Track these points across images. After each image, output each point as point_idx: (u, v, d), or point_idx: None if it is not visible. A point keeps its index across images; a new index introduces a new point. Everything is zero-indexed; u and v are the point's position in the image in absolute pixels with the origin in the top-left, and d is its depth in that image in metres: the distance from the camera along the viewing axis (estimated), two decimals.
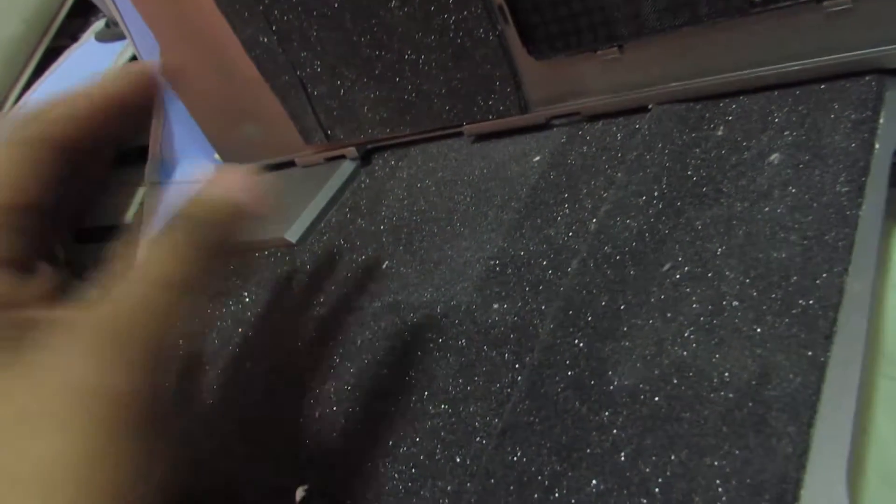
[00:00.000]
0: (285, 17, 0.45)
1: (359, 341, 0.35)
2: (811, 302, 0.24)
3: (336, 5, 0.42)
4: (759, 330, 0.24)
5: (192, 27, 0.50)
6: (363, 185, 0.47)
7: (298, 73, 0.47)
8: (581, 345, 0.27)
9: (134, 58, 0.59)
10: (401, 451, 0.28)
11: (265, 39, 0.47)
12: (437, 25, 0.40)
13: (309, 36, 0.45)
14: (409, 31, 0.41)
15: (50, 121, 0.23)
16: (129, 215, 0.69)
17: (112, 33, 0.63)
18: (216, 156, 0.59)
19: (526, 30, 0.38)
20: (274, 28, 0.46)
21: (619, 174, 0.34)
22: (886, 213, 0.27)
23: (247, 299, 0.43)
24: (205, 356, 0.41)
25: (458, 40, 0.40)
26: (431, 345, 0.32)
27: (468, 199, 0.39)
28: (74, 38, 0.71)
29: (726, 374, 0.23)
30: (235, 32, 0.48)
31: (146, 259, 0.21)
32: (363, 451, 0.29)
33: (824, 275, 0.24)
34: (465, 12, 0.39)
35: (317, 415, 0.32)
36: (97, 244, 0.74)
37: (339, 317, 0.37)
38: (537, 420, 0.25)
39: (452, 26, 0.40)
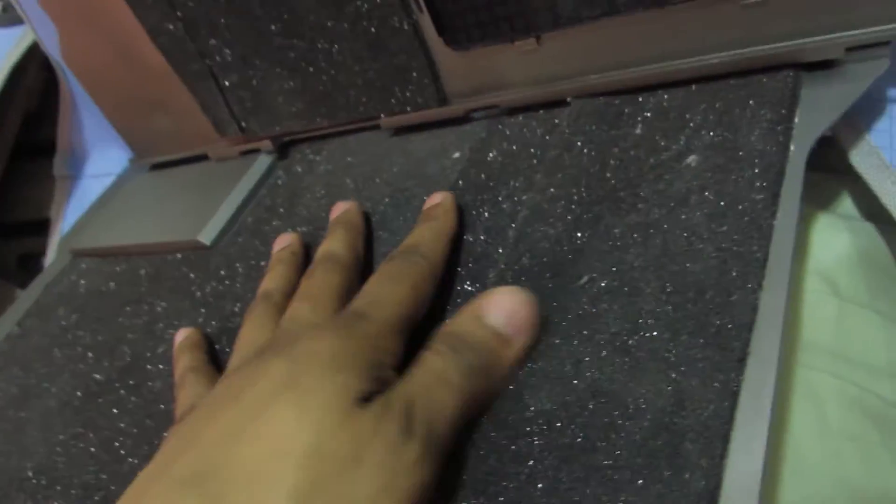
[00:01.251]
0: (191, 3, 0.42)
1: None
2: (725, 321, 0.23)
3: None
4: (674, 352, 0.23)
5: (93, 11, 0.47)
6: (279, 182, 0.45)
7: (208, 62, 0.45)
8: None
9: (35, 44, 0.55)
10: None
11: (171, 27, 0.44)
12: (350, 13, 0.38)
13: (217, 23, 0.42)
14: (321, 20, 0.39)
15: None
16: (53, 210, 0.66)
17: (9, 17, 0.59)
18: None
19: (441, 19, 0.36)
20: (180, 14, 0.43)
21: (538, 175, 0.32)
22: (802, 203, 0.26)
23: (157, 308, 0.41)
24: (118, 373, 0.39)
25: (372, 29, 0.38)
26: None
27: (386, 198, 0.37)
28: None
29: (641, 400, 0.23)
30: (139, 19, 0.45)
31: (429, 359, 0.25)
32: None
33: (738, 291, 0.24)
34: (378, 0, 0.37)
35: None
36: (19, 239, 0.70)
37: None
38: (454, 450, 0.24)
39: (366, 15, 0.38)
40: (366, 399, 0.23)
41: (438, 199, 0.33)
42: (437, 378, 0.24)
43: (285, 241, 0.38)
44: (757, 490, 0.20)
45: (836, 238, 0.32)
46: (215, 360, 0.36)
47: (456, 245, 0.32)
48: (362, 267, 0.33)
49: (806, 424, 0.28)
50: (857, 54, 0.29)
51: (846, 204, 0.34)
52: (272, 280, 0.35)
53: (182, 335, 0.37)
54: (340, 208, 0.37)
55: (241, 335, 0.32)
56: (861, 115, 0.32)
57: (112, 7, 0.45)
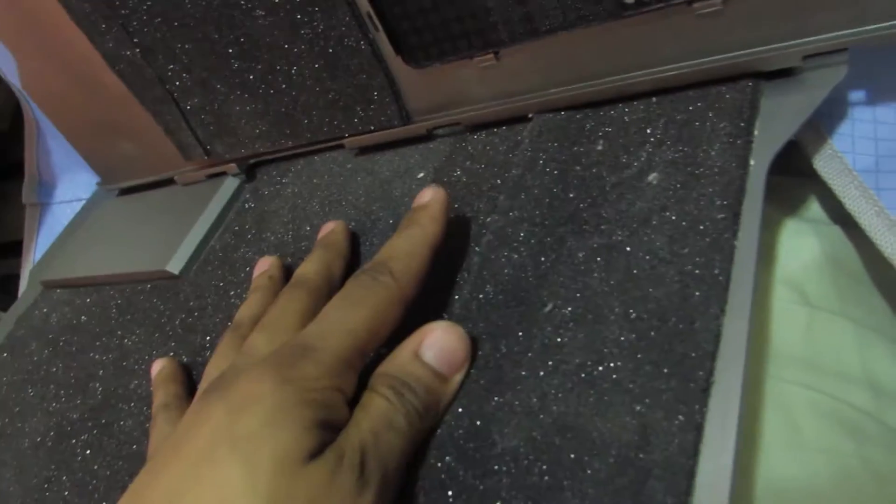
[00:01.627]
0: (145, 30, 0.42)
1: None
2: (688, 349, 0.23)
3: (197, 16, 0.39)
4: (638, 382, 0.23)
5: (49, 39, 0.47)
6: (247, 206, 0.44)
7: (168, 87, 0.44)
8: (464, 401, 0.26)
9: None
10: None
11: (128, 53, 0.43)
12: (306, 35, 0.37)
13: (174, 48, 0.42)
14: (277, 42, 0.38)
15: None
16: (25, 237, 0.65)
17: None
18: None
19: (398, 38, 0.36)
20: (136, 41, 0.42)
21: (501, 197, 0.32)
22: (763, 220, 0.26)
23: (127, 342, 0.41)
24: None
25: (330, 50, 0.37)
26: None
27: (353, 223, 0.37)
28: None
29: (607, 434, 0.22)
30: (95, 47, 0.44)
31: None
32: None
33: (701, 317, 0.23)
34: (333, 20, 0.36)
35: None
36: None
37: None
38: (419, 490, 0.24)
39: (322, 35, 0.37)
40: (315, 451, 0.22)
41: (426, 200, 0.30)
42: (384, 424, 0.24)
43: (263, 266, 0.36)
44: None
45: (803, 243, 0.32)
46: (192, 391, 0.35)
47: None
48: (335, 290, 0.32)
49: (778, 437, 0.28)
50: (816, 61, 0.29)
51: (813, 207, 0.33)
52: (247, 308, 0.34)
53: (157, 367, 0.36)
54: (326, 228, 0.36)
55: (207, 367, 0.31)
56: (823, 120, 0.32)
57: (69, 35, 0.44)
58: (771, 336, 0.30)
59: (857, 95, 0.32)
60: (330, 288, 0.32)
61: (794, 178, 0.34)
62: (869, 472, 0.26)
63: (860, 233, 0.31)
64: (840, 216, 0.32)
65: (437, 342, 0.26)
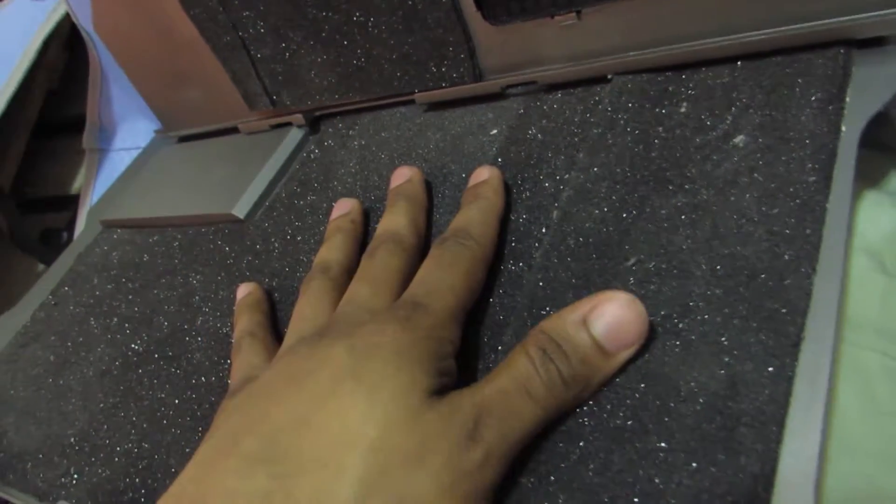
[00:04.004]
0: None
1: None
2: (779, 306, 0.23)
3: None
4: (726, 335, 0.23)
5: None
6: (312, 156, 0.45)
7: (241, 33, 0.44)
8: None
9: (67, 16, 0.55)
10: None
11: None
12: None
13: None
14: None
15: None
16: (76, 185, 0.66)
17: None
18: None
19: None
20: None
21: (580, 154, 0.32)
22: (855, 183, 0.26)
23: (193, 280, 0.41)
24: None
25: (409, 2, 0.38)
26: None
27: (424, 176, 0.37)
28: None
29: (693, 384, 0.23)
30: None
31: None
32: None
33: (792, 275, 0.24)
34: None
35: None
36: (42, 215, 0.71)
37: (286, 303, 0.36)
38: None
39: None
40: (432, 394, 0.23)
41: (486, 176, 0.33)
42: (521, 386, 0.23)
43: (345, 208, 0.37)
44: (814, 475, 0.20)
45: (883, 215, 0.32)
46: (275, 323, 0.36)
47: (503, 224, 0.32)
48: (423, 246, 0.33)
49: (852, 402, 0.28)
50: None
51: (894, 181, 0.33)
52: (330, 251, 0.34)
53: (243, 291, 0.37)
54: (403, 176, 0.36)
55: (298, 308, 0.31)
56: None
57: None
58: (849, 302, 0.30)
59: None
60: (419, 242, 0.33)
61: (880, 151, 0.33)
62: None
63: None
64: None
65: (613, 315, 0.24)
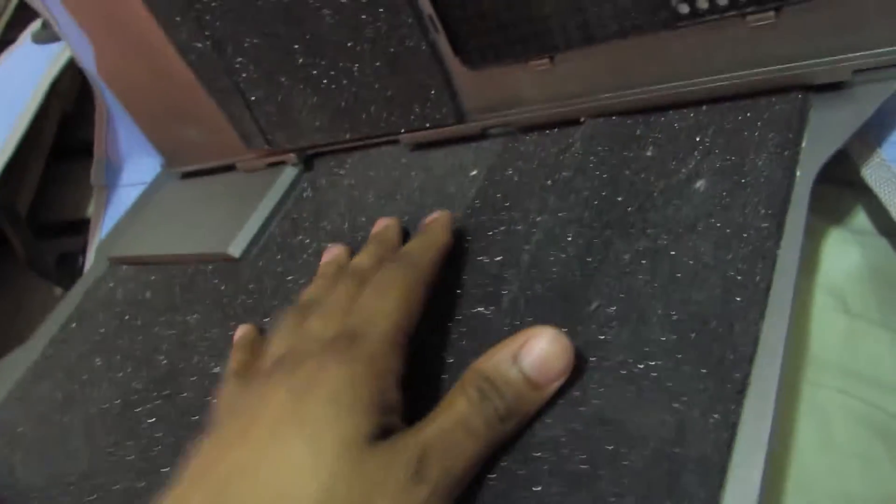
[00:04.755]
0: (218, 24, 0.44)
1: None
2: (727, 352, 0.24)
3: (268, 13, 0.41)
4: (676, 381, 0.24)
5: (126, 30, 0.49)
6: (305, 196, 0.46)
7: (235, 78, 0.46)
8: None
9: (72, 60, 0.57)
10: None
11: (199, 45, 0.46)
12: (369, 35, 0.39)
13: (243, 42, 0.44)
14: (341, 40, 0.40)
15: None
16: (91, 210, 0.68)
17: (48, 34, 0.61)
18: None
19: (457, 39, 0.37)
20: (207, 34, 0.45)
21: (552, 197, 0.33)
22: (807, 230, 0.27)
23: (190, 319, 0.43)
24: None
25: (391, 49, 0.39)
26: None
27: (406, 216, 0.39)
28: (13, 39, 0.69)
29: (644, 428, 0.24)
30: (169, 37, 0.47)
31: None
32: None
33: (740, 321, 0.25)
34: (396, 21, 0.38)
35: None
36: (58, 239, 0.73)
37: None
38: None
39: (384, 35, 0.39)
40: (375, 438, 0.24)
41: (436, 215, 0.35)
42: (460, 424, 0.24)
43: (332, 254, 0.38)
44: None
45: (846, 253, 0.32)
46: None
47: (467, 265, 0.33)
48: None
49: (810, 440, 0.29)
50: (866, 76, 0.30)
51: (859, 218, 0.34)
52: (312, 291, 0.36)
53: (240, 332, 0.38)
54: (380, 224, 0.38)
55: (273, 339, 0.32)
56: (872, 130, 0.32)
57: (144, 26, 0.47)
58: (809, 341, 0.30)
59: None
60: None
61: (841, 187, 0.34)
62: None
63: None
64: (886, 228, 0.33)
65: (541, 350, 0.26)
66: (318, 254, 0.40)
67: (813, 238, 0.33)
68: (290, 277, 0.41)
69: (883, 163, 0.32)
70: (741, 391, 0.23)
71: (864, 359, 0.30)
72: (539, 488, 0.24)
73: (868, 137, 0.32)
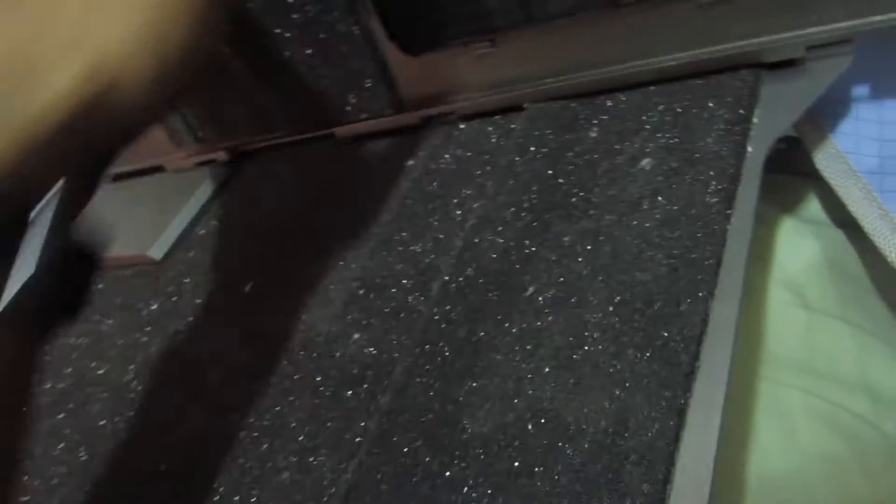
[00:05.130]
0: None
1: (212, 378, 0.31)
2: (673, 333, 0.21)
3: None
4: (619, 366, 0.22)
5: None
6: (233, 194, 0.43)
7: None
8: (436, 385, 0.24)
9: None
10: None
11: None
12: (297, 21, 0.36)
13: None
14: (269, 28, 0.37)
15: None
16: None
17: None
18: None
19: (392, 23, 0.35)
20: None
21: (489, 182, 0.31)
22: (759, 207, 0.25)
23: (104, 327, 0.39)
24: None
25: (322, 35, 0.37)
26: (286, 383, 0.29)
27: (339, 209, 0.36)
28: None
29: (582, 420, 0.21)
30: None
31: None
32: None
33: (688, 300, 0.22)
34: (326, 5, 0.35)
35: (162, 467, 0.29)
36: None
37: (193, 349, 0.34)
38: (385, 478, 0.23)
39: (313, 21, 0.36)
40: None
41: None
42: None
43: None
44: None
45: (803, 245, 0.31)
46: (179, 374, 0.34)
47: (398, 256, 0.30)
48: None
49: (773, 441, 0.26)
50: (820, 52, 0.28)
51: (814, 208, 0.32)
52: None
53: None
54: None
55: None
56: (827, 119, 0.31)
57: None
58: (768, 338, 0.28)
59: (861, 94, 0.31)
60: None
61: (796, 177, 0.32)
62: (866, 479, 0.25)
63: (862, 236, 0.30)
64: (841, 218, 0.31)
65: None
66: (242, 251, 0.37)
67: (767, 229, 0.31)
68: (212, 278, 0.38)
69: (838, 154, 0.30)
70: (689, 374, 0.20)
71: (824, 355, 0.28)
72: (466, 490, 0.21)
73: (823, 127, 0.31)
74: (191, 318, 0.36)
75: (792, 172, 0.32)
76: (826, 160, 0.30)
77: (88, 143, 0.20)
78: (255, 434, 0.28)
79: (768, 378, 0.28)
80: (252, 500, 0.26)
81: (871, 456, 0.25)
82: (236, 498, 0.26)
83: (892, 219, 0.28)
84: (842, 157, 0.29)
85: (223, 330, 0.34)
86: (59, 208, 0.20)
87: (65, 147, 0.19)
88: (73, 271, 0.22)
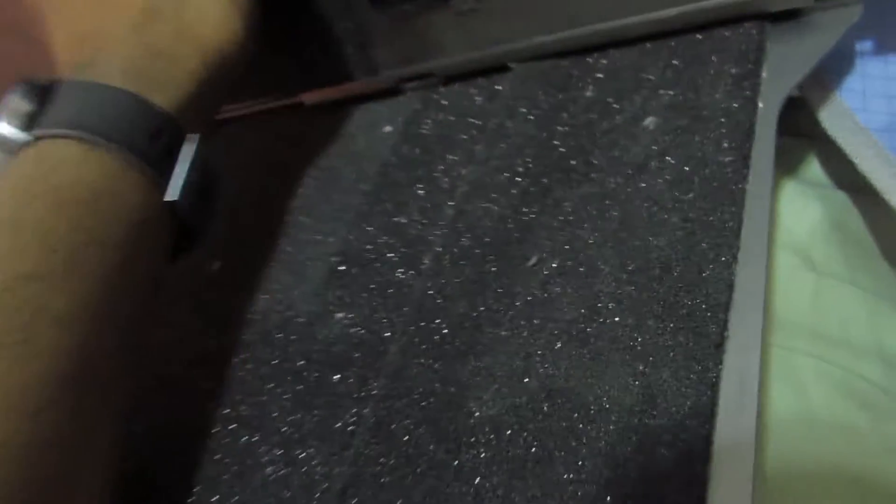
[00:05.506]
0: None
1: (179, 367, 0.29)
2: (698, 301, 0.20)
3: None
4: (640, 339, 0.20)
5: None
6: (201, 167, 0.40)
7: None
8: (436, 366, 0.22)
9: None
10: None
11: None
12: None
13: None
14: None
15: None
16: None
17: None
18: None
19: None
20: None
21: (478, 146, 0.29)
22: (774, 168, 0.23)
23: None
24: None
25: None
26: (264, 369, 0.26)
27: (311, 180, 0.33)
28: None
29: (605, 398, 0.19)
30: None
31: None
32: None
33: (711, 265, 0.20)
34: None
35: (125, 466, 0.27)
36: None
37: (158, 337, 0.31)
38: (385, 469, 0.21)
39: None
40: None
41: None
42: None
43: None
44: (748, 501, 0.16)
45: (808, 208, 0.29)
46: None
47: (382, 228, 0.28)
48: None
49: (789, 409, 0.25)
50: (827, 2, 0.26)
51: (816, 171, 0.31)
52: None
53: None
54: None
55: None
56: (830, 74, 0.29)
57: None
58: (776, 303, 0.27)
59: (866, 49, 0.29)
60: None
61: (798, 139, 0.31)
62: (886, 449, 0.23)
63: (867, 199, 0.29)
64: (845, 180, 0.30)
65: None
66: (211, 232, 0.34)
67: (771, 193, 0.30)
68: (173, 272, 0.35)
69: (845, 111, 0.29)
70: (719, 345, 0.19)
71: (834, 320, 0.27)
72: (478, 480, 0.19)
73: (826, 82, 0.29)
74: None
75: (792, 134, 0.31)
76: (832, 118, 0.28)
77: (223, 88, 0.29)
78: (232, 426, 0.25)
79: (779, 345, 0.26)
80: (234, 499, 0.23)
81: (886, 424, 0.24)
82: (215, 498, 0.24)
83: None
84: (850, 114, 0.28)
85: (190, 313, 0.31)
86: (200, 145, 0.26)
87: (219, 81, 0.28)
88: (205, 201, 0.27)
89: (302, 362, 0.26)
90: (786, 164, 0.31)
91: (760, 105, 0.25)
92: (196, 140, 0.26)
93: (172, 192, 0.24)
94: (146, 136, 0.24)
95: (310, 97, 0.37)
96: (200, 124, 0.27)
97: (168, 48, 0.26)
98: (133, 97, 0.24)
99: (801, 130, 0.30)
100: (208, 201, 0.28)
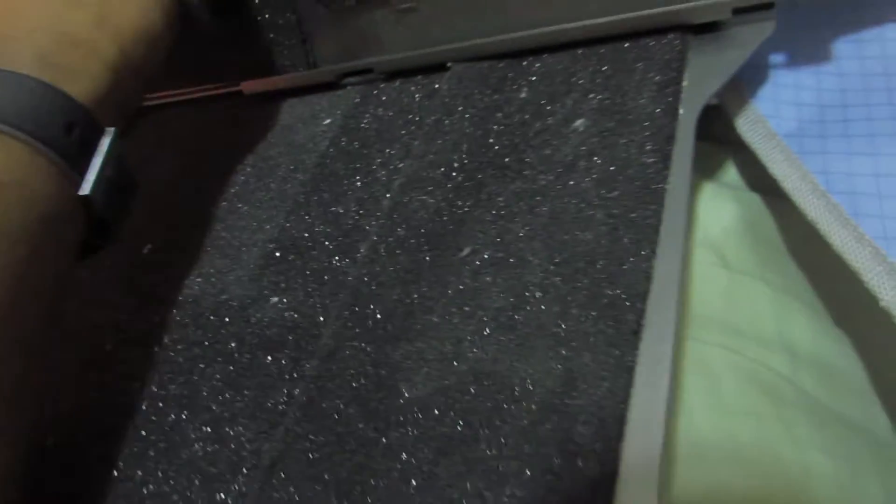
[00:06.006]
0: None
1: (108, 346, 0.29)
2: (618, 291, 0.21)
3: None
4: (564, 326, 0.21)
5: None
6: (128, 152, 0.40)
7: None
8: (368, 349, 0.23)
9: None
10: (148, 489, 0.23)
11: None
12: None
13: None
14: None
15: None
16: None
17: None
18: None
19: None
20: None
21: (416, 142, 0.30)
22: (693, 171, 0.25)
23: None
24: None
25: None
26: (196, 350, 0.27)
27: (248, 168, 0.34)
28: None
29: (528, 380, 0.20)
30: None
31: None
32: (99, 491, 0.24)
33: (631, 259, 0.22)
34: None
35: (49, 441, 0.26)
36: None
37: (88, 316, 0.31)
38: (314, 446, 0.21)
39: None
40: None
41: None
42: None
43: None
44: (656, 474, 0.18)
45: (723, 208, 0.31)
46: None
47: (320, 217, 0.29)
48: None
49: (700, 400, 0.26)
50: (744, 17, 0.28)
51: (732, 174, 0.33)
52: None
53: None
54: None
55: None
56: (746, 85, 0.31)
57: None
58: (691, 297, 0.28)
59: (779, 61, 0.31)
60: None
61: (715, 144, 0.33)
62: (790, 437, 0.25)
63: (778, 200, 0.31)
64: (758, 184, 0.32)
65: None
66: (140, 212, 0.34)
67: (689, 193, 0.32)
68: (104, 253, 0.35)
69: (759, 118, 0.30)
70: (636, 332, 0.20)
71: (745, 314, 0.28)
72: (404, 456, 0.20)
73: (743, 92, 0.31)
74: (83, 280, 0.33)
75: (710, 139, 0.33)
76: (747, 125, 0.30)
77: (142, 81, 0.28)
78: (160, 404, 0.26)
79: (693, 337, 0.28)
80: (158, 474, 0.24)
81: (791, 413, 0.26)
82: (138, 473, 0.24)
83: (812, 179, 0.29)
84: (762, 120, 0.30)
85: (121, 296, 0.31)
86: (114, 140, 0.25)
87: (139, 73, 0.27)
88: (121, 197, 0.26)
89: (234, 344, 0.26)
90: (704, 167, 0.32)
91: (681, 111, 0.26)
92: (112, 134, 0.26)
93: (86, 186, 0.24)
94: (59, 128, 0.23)
95: (249, 86, 0.37)
96: (118, 117, 0.27)
97: (86, 38, 0.25)
98: (46, 86, 0.23)
99: (718, 136, 0.32)
100: (124, 197, 0.27)
